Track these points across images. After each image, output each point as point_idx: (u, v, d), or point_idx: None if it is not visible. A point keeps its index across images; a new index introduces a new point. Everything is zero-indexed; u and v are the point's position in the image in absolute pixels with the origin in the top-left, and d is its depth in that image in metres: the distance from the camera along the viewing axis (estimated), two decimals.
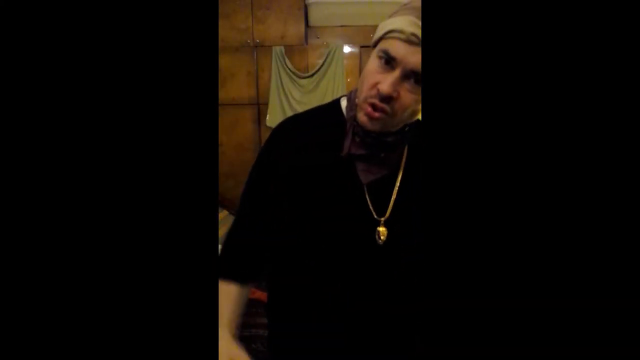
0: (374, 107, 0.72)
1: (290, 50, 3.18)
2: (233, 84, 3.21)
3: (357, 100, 0.76)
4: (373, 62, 0.72)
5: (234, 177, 2.98)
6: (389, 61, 0.69)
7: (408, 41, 0.67)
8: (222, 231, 2.79)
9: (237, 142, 3.24)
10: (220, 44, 3.10)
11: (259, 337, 2.18)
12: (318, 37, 3.28)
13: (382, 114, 0.72)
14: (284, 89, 3.16)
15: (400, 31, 0.67)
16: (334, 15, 3.24)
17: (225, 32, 3.14)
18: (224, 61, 3.17)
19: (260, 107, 3.22)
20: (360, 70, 3.02)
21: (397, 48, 0.68)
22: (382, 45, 0.70)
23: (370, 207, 0.78)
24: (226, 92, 3.20)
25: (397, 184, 0.79)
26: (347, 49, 3.16)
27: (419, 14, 0.66)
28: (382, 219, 0.78)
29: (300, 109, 2.99)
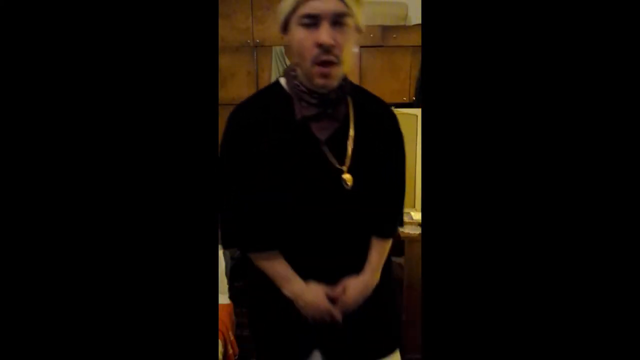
0: (323, 64, 0.81)
1: (290, 50, 3.18)
2: (233, 84, 3.21)
3: (303, 70, 0.85)
4: (298, 33, 0.81)
5: None
6: (313, 21, 0.79)
7: None
8: None
9: None
10: (220, 44, 3.10)
11: None
12: None
13: (332, 66, 0.82)
14: None
15: None
16: None
17: (225, 32, 3.14)
18: (224, 61, 3.17)
19: None
20: (361, 69, 3.02)
21: (314, 6, 0.78)
22: (299, 14, 0.79)
23: (331, 159, 0.89)
24: (226, 92, 3.19)
25: (351, 135, 0.91)
26: None
27: None
28: (344, 167, 0.89)
29: None
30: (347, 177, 0.89)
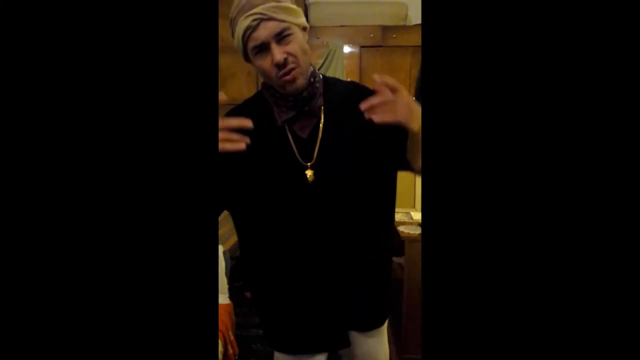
0: (286, 74, 0.91)
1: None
2: (233, 84, 3.21)
3: (274, 85, 0.95)
4: (256, 61, 0.92)
5: None
6: (263, 48, 0.90)
7: (255, 28, 0.88)
8: (222, 231, 2.79)
9: None
10: (220, 43, 3.10)
11: (258, 338, 2.18)
12: (318, 37, 3.28)
13: (294, 71, 0.91)
14: None
15: (248, 27, 0.88)
16: (334, 15, 3.24)
17: (225, 31, 3.15)
18: (223, 61, 3.17)
19: None
20: (361, 69, 3.03)
21: (257, 37, 0.89)
22: (250, 47, 0.91)
23: (297, 156, 0.98)
24: (226, 92, 3.20)
25: (320, 134, 0.98)
26: (347, 49, 3.15)
27: (246, 8, 0.88)
28: (309, 163, 0.98)
29: None
30: (309, 172, 0.98)
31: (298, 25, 0.92)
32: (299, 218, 1.00)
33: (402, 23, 3.12)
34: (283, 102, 0.97)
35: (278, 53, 0.89)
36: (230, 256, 2.43)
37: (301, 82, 0.94)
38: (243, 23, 0.89)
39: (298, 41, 0.92)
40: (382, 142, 1.00)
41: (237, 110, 1.05)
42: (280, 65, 0.90)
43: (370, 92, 0.93)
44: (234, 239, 2.80)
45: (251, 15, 0.87)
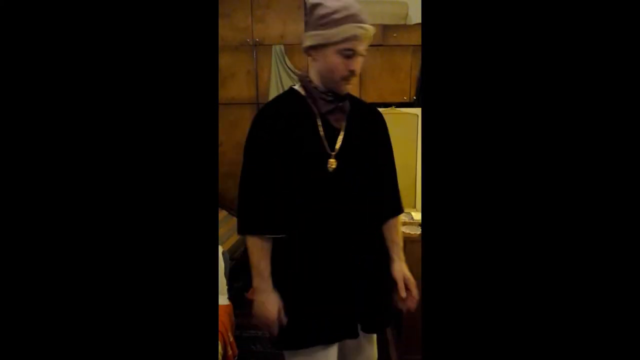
0: (349, 80, 1.13)
1: (290, 49, 3.17)
2: (233, 83, 3.21)
3: (329, 81, 1.14)
4: (334, 59, 1.09)
5: (234, 177, 2.95)
6: (350, 55, 1.09)
7: (360, 38, 1.09)
8: (222, 231, 2.78)
9: (237, 142, 3.22)
10: (219, 43, 3.10)
11: (258, 339, 2.18)
12: None
13: (353, 78, 1.14)
14: (283, 88, 3.15)
15: (356, 35, 1.08)
16: None
17: (225, 31, 3.14)
18: (223, 60, 3.17)
19: (260, 106, 3.22)
20: (360, 68, 3.02)
21: (357, 46, 1.09)
22: (342, 47, 1.08)
23: (326, 145, 1.14)
24: (226, 92, 3.19)
25: (343, 129, 1.16)
26: None
27: (357, 18, 1.08)
28: (333, 153, 1.13)
29: None
30: (331, 161, 1.13)
31: None
32: (320, 203, 1.13)
33: (402, 22, 3.11)
34: (324, 96, 1.15)
35: (357, 65, 1.11)
36: (230, 257, 2.43)
37: (350, 88, 1.17)
38: (354, 30, 1.07)
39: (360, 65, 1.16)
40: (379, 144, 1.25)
41: (271, 106, 1.20)
42: (352, 73, 1.11)
43: (375, 110, 1.28)
44: (233, 239, 2.79)
45: (362, 28, 1.08)
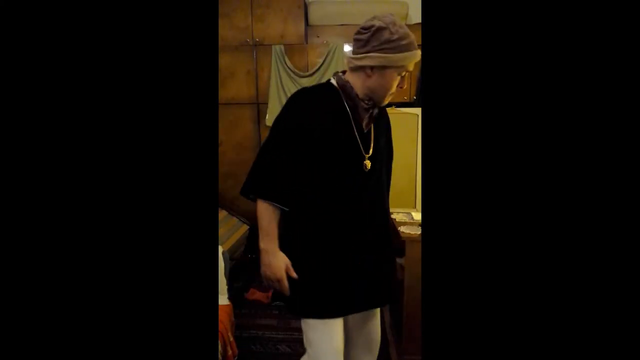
0: (392, 94, 1.26)
1: (290, 49, 3.18)
2: (233, 83, 3.21)
3: (378, 93, 1.26)
4: (393, 77, 1.22)
5: (234, 177, 2.97)
6: (403, 75, 1.23)
7: (413, 62, 1.22)
8: (222, 231, 2.78)
9: (236, 142, 3.23)
10: (219, 43, 3.10)
11: (258, 339, 2.18)
12: (318, 36, 3.28)
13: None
14: (283, 88, 3.15)
15: (415, 60, 1.21)
16: (334, 14, 3.24)
17: (225, 31, 3.14)
18: (223, 60, 3.17)
19: (259, 106, 3.22)
20: None
21: (411, 67, 1.23)
22: (402, 65, 1.21)
23: (361, 148, 1.28)
24: (226, 92, 3.19)
25: (372, 133, 1.31)
26: (347, 48, 3.15)
27: (415, 45, 1.21)
28: (367, 155, 1.28)
29: None
30: (367, 162, 1.28)
31: None
32: (356, 199, 1.27)
33: (402, 22, 3.12)
34: (364, 104, 1.28)
35: (406, 82, 1.26)
36: (230, 257, 2.43)
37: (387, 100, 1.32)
38: (416, 56, 1.21)
39: None
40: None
41: (314, 91, 1.30)
42: (401, 89, 1.27)
43: (385, 112, 1.41)
44: (233, 239, 2.80)
45: (418, 54, 1.22)
